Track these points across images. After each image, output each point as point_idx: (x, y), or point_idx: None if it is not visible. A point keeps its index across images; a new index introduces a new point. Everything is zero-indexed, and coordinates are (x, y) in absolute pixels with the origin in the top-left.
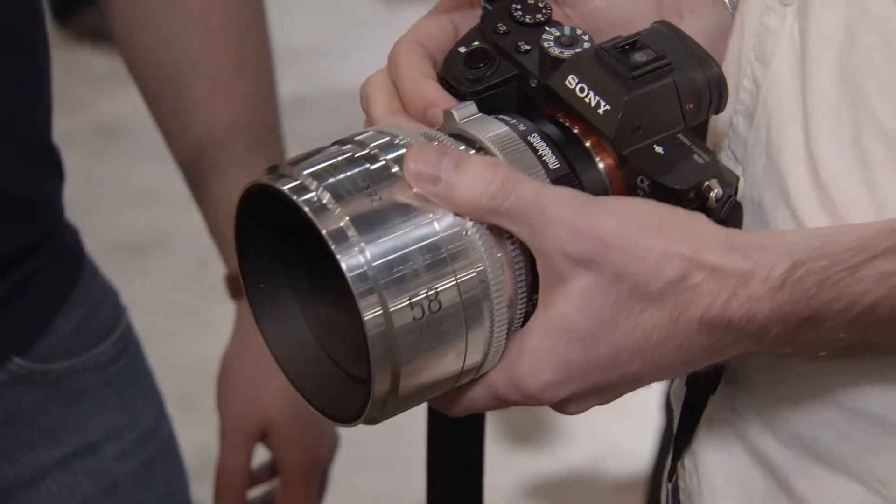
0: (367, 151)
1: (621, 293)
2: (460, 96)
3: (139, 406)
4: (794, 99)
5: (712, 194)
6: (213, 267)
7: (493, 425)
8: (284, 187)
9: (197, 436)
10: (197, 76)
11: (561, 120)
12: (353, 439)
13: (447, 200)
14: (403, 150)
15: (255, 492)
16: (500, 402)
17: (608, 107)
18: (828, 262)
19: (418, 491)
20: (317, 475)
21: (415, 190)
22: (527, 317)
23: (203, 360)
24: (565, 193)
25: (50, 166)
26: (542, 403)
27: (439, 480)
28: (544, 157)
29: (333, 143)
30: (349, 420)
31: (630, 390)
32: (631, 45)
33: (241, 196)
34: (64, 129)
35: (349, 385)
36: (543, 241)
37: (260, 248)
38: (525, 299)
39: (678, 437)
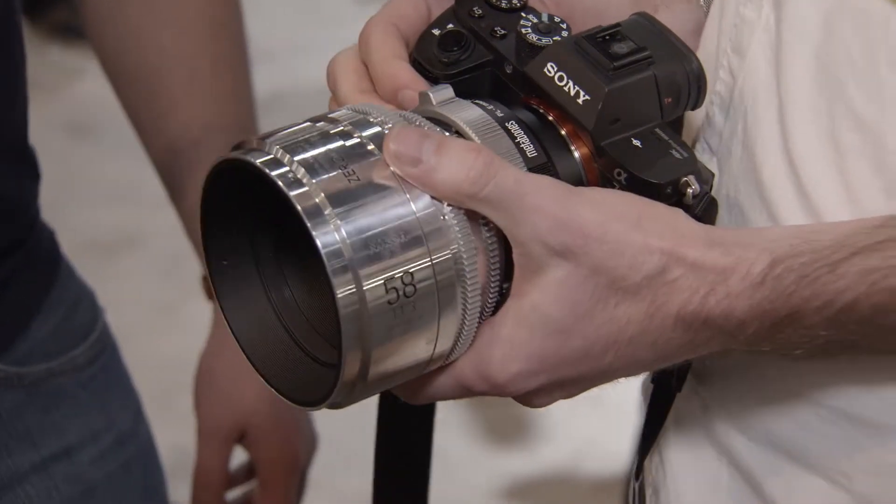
0: (341, 128)
1: (598, 286)
2: (433, 79)
3: (116, 408)
4: (770, 90)
5: (689, 190)
6: (189, 264)
7: (470, 423)
8: (257, 161)
9: (174, 435)
10: (172, 75)
11: (536, 107)
12: (334, 439)
13: (426, 183)
14: (378, 129)
15: (234, 493)
16: (466, 392)
17: (588, 97)
18: (807, 259)
19: None
20: (295, 476)
21: (392, 170)
22: (497, 306)
23: (179, 359)
24: (546, 182)
25: (26, 166)
26: (508, 395)
27: (387, 466)
28: (522, 145)
29: (306, 121)
30: (314, 403)
31: (599, 384)
32: (611, 35)
33: (210, 171)
34: (35, 125)
35: (314, 368)
36: (522, 230)
37: (226, 227)
38: (497, 287)
39: (645, 435)
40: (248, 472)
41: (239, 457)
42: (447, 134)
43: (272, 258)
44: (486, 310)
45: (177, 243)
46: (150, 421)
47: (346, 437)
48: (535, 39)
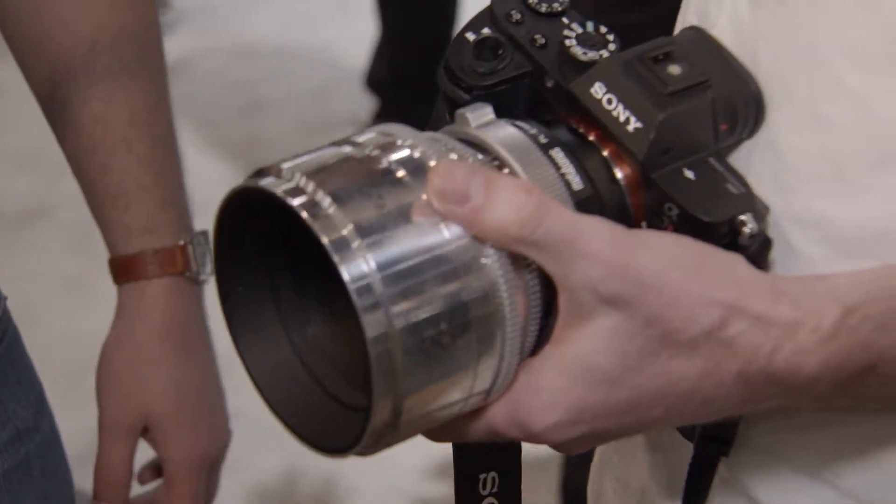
0: (368, 153)
1: (650, 338)
2: (465, 89)
3: (15, 402)
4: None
5: (745, 230)
6: (100, 235)
7: None
8: (277, 190)
9: (86, 418)
10: None
11: (575, 126)
12: (251, 416)
13: (472, 224)
14: (407, 152)
15: (141, 490)
16: (496, 437)
17: (639, 124)
18: (885, 306)
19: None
20: (203, 472)
21: (424, 198)
22: (536, 345)
23: (91, 335)
24: (601, 226)
25: None
26: (543, 443)
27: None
28: (567, 176)
29: (328, 145)
30: (339, 451)
31: (640, 433)
32: (666, 55)
33: (225, 199)
34: None
35: (338, 412)
36: (571, 276)
37: (241, 259)
38: (536, 326)
39: None
40: (157, 469)
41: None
42: (495, 165)
43: (292, 294)
44: (524, 350)
45: (87, 212)
46: (60, 403)
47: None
48: (580, 53)
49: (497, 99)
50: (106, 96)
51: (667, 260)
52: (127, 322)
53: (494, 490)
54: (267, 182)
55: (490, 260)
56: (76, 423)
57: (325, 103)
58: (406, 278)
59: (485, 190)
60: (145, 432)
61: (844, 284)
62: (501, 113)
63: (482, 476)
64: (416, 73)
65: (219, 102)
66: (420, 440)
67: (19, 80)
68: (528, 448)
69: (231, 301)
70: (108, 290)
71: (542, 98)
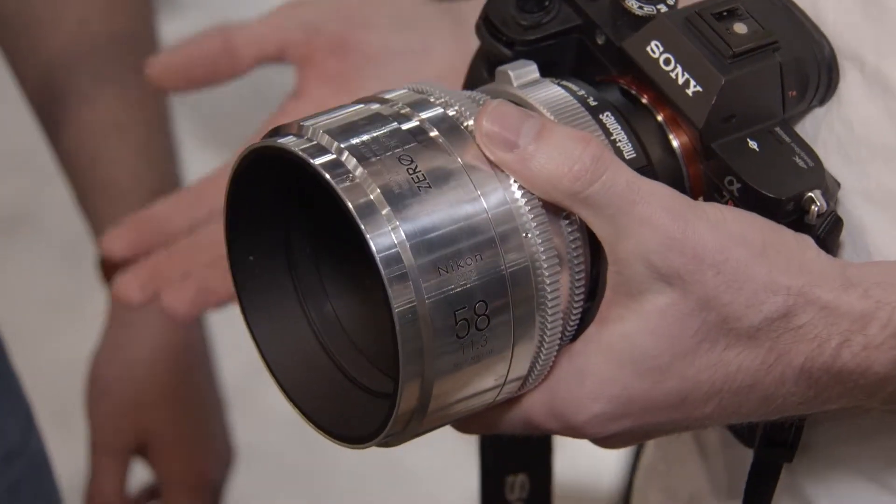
0: (396, 110)
1: (706, 322)
2: (507, 44)
3: (3, 420)
4: None
5: (814, 208)
6: (90, 246)
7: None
8: (297, 148)
9: (72, 454)
10: None
11: (626, 87)
12: None
13: (521, 173)
14: (440, 110)
15: None
16: (533, 429)
17: (699, 88)
18: None
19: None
20: (205, 495)
21: (462, 161)
22: (578, 331)
23: (79, 361)
24: (664, 192)
25: None
26: (584, 437)
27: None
28: (618, 143)
29: (354, 102)
30: (361, 440)
31: (687, 430)
32: (730, 11)
33: (239, 159)
34: None
35: (360, 398)
36: (625, 244)
37: (255, 226)
38: (580, 309)
39: None
40: (152, 493)
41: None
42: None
43: (311, 267)
44: (566, 335)
45: (78, 221)
46: (45, 433)
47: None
48: (635, 7)
49: (541, 56)
50: (98, 94)
51: (730, 236)
52: (120, 331)
53: (524, 496)
54: (286, 141)
55: (531, 233)
56: (61, 458)
57: None
58: (438, 248)
59: (536, 136)
60: (140, 452)
61: None
62: (546, 72)
63: (510, 479)
64: None
65: (218, 93)
66: (443, 434)
67: (3, 83)
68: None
69: (243, 273)
70: (97, 312)
71: (592, 56)
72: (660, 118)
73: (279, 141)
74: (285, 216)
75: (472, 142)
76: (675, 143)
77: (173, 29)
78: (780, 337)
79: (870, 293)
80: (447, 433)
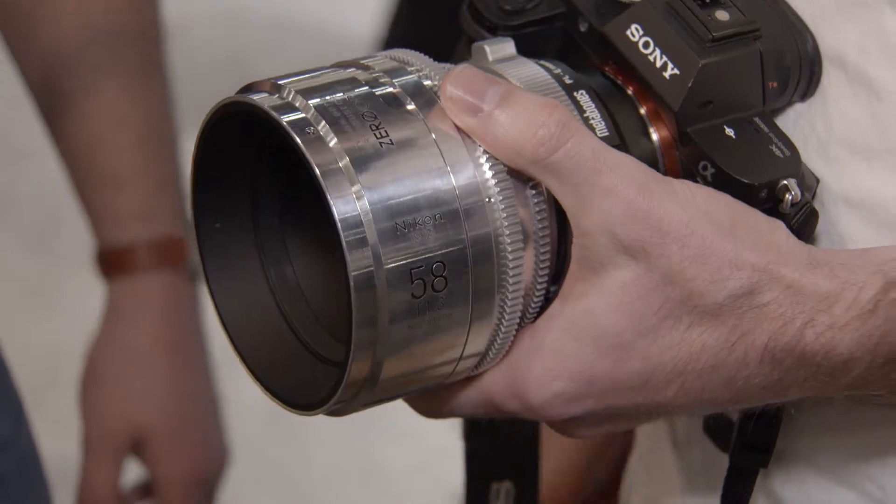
0: (372, 75)
1: (669, 299)
2: (489, 29)
3: None
4: None
5: (788, 196)
6: (65, 232)
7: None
8: (266, 105)
9: (50, 442)
10: None
11: (612, 76)
12: None
13: (484, 138)
14: (414, 77)
15: None
16: (493, 410)
17: (676, 70)
18: None
19: None
20: (199, 494)
21: (430, 127)
22: (540, 312)
23: (53, 349)
24: (630, 162)
25: None
26: (544, 419)
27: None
28: (591, 121)
29: (333, 65)
30: (310, 407)
31: (653, 420)
32: (713, 0)
33: (209, 114)
34: None
35: (312, 365)
36: (589, 214)
37: (222, 185)
38: (544, 290)
39: None
40: (145, 490)
41: (134, 472)
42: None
43: (275, 228)
44: (528, 315)
45: (51, 205)
46: None
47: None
48: None
49: (525, 43)
50: (100, 86)
51: (697, 211)
52: (116, 323)
53: (510, 503)
54: (257, 98)
55: (495, 198)
56: (42, 446)
57: None
58: (400, 214)
59: (501, 100)
60: (135, 448)
61: (890, 258)
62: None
63: (494, 486)
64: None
65: (208, 76)
66: (421, 432)
67: None
68: None
69: (206, 230)
70: (70, 297)
71: (575, 44)
72: (642, 111)
73: (250, 97)
74: (253, 178)
75: (442, 109)
76: (654, 137)
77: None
78: (744, 315)
79: (836, 273)
80: (424, 430)
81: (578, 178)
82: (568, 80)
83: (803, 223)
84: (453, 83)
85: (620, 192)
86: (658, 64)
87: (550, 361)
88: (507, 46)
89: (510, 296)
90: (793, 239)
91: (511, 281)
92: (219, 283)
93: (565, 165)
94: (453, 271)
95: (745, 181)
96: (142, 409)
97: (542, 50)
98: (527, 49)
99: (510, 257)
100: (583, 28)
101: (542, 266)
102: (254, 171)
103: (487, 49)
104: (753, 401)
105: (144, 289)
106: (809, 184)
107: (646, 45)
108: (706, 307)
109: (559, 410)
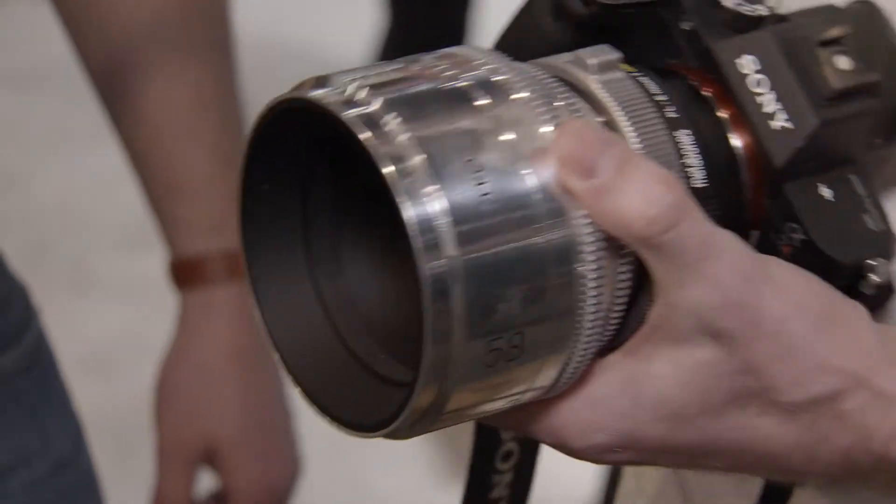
0: (444, 71)
1: (745, 386)
2: (570, 14)
3: (54, 429)
4: None
5: (872, 277)
6: (56, 251)
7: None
8: (326, 101)
9: None
10: None
11: (697, 85)
12: None
13: (592, 204)
14: (483, 72)
15: None
16: (521, 431)
17: (789, 125)
18: None
19: None
20: None
21: (525, 168)
22: (602, 351)
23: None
24: (734, 247)
25: None
26: (576, 457)
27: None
28: (688, 168)
29: (396, 60)
30: (370, 429)
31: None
32: (835, 40)
33: (262, 113)
34: None
35: (371, 385)
36: (683, 293)
37: (271, 191)
38: (615, 327)
39: None
40: (218, 500)
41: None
42: (598, 119)
43: (328, 237)
44: (598, 349)
45: (41, 224)
46: None
47: None
48: (732, 4)
49: (616, 21)
50: (170, 74)
51: (792, 304)
52: (190, 335)
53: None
54: (317, 94)
55: (584, 236)
56: None
57: None
58: (483, 235)
59: (617, 169)
60: (208, 460)
61: None
62: (615, 41)
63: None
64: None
65: None
66: (414, 456)
67: None
68: None
69: (252, 238)
70: (62, 316)
71: (668, 36)
72: (735, 146)
73: (309, 94)
74: (304, 182)
75: (541, 150)
76: (746, 182)
77: None
78: (823, 418)
79: None
80: (419, 456)
81: (681, 261)
82: (670, 113)
83: (880, 303)
84: (566, 138)
85: (722, 280)
86: (767, 109)
87: (599, 414)
88: (610, 53)
89: (584, 333)
90: (875, 330)
91: (587, 320)
92: (265, 292)
93: (672, 247)
94: (532, 309)
95: (835, 258)
96: (214, 421)
97: (629, 35)
98: (617, 27)
99: (590, 295)
100: (685, 27)
101: (617, 304)
102: (306, 174)
103: (589, 63)
104: (809, 479)
105: (216, 300)
106: (893, 258)
107: (758, 83)
108: (781, 403)
109: (595, 457)
